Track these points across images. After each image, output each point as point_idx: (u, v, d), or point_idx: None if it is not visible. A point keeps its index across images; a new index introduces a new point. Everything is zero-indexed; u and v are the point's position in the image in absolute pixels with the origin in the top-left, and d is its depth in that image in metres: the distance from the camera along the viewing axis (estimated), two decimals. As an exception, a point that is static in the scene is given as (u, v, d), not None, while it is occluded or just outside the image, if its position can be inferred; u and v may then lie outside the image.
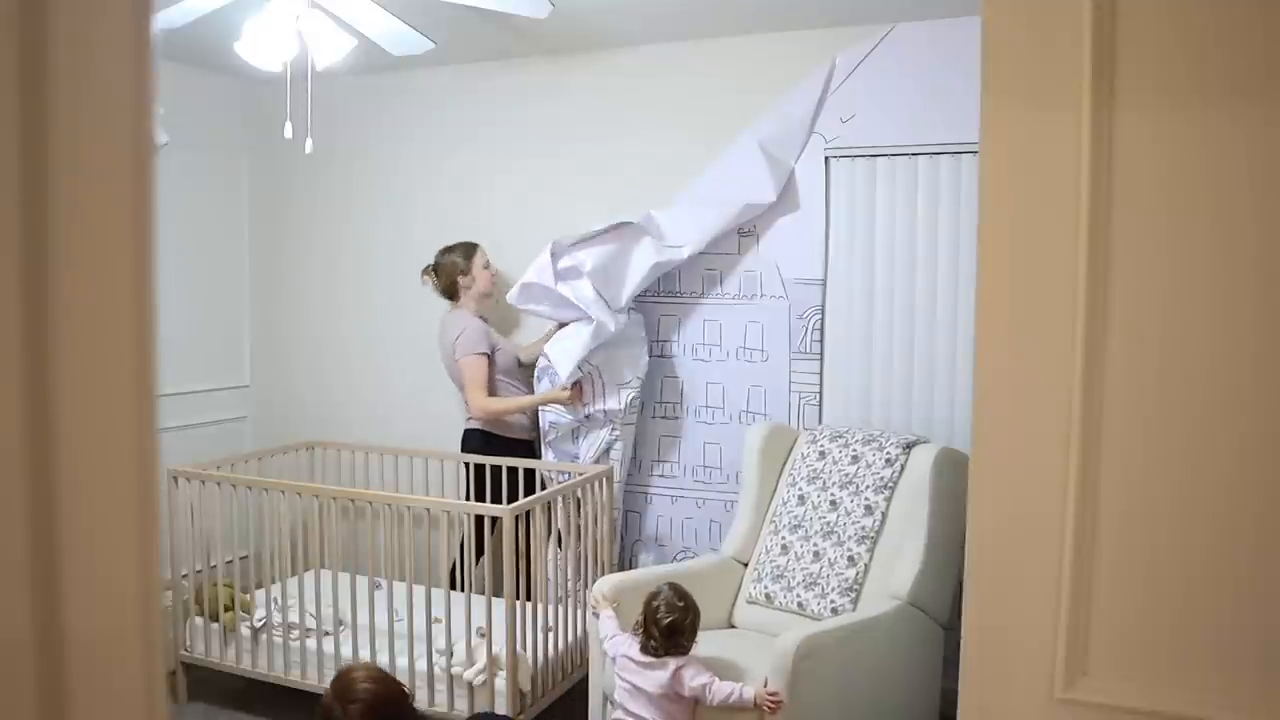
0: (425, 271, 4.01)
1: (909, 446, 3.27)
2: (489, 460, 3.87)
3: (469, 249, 3.93)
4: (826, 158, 3.62)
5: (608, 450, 3.82)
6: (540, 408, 3.84)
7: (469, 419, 3.95)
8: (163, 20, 2.86)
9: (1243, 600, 1.06)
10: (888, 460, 3.25)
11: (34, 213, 0.50)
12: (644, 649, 2.79)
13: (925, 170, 3.48)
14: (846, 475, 3.30)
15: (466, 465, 3.94)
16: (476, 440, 3.91)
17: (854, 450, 3.34)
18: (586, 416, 3.77)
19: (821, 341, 3.68)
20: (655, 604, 2.81)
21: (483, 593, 3.27)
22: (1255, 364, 1.04)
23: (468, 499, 3.86)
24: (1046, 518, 1.12)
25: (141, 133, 0.57)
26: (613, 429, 3.80)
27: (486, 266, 3.94)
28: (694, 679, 2.74)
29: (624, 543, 3.97)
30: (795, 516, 3.34)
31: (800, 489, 3.38)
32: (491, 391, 3.82)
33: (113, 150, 0.55)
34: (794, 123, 3.63)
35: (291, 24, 2.74)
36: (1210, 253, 1.06)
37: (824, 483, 3.32)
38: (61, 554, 0.53)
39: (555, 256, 3.64)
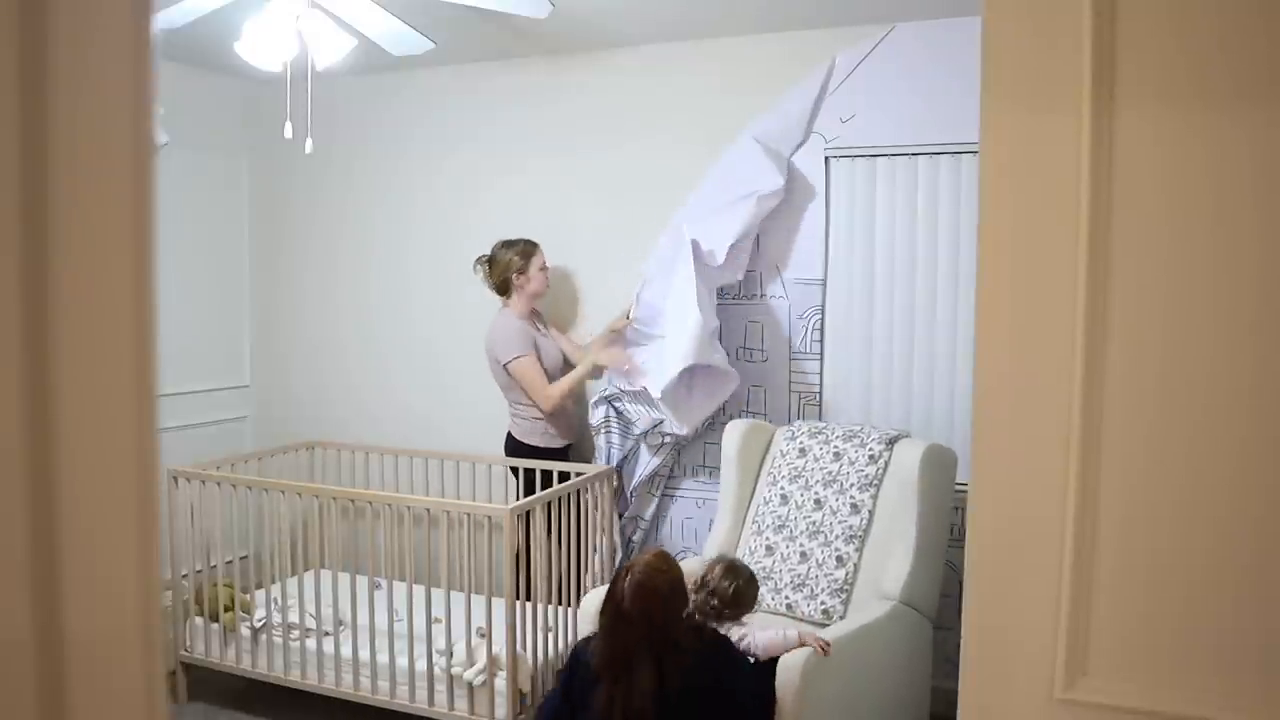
0: (479, 261, 3.88)
1: (891, 442, 3.26)
2: (520, 464, 3.81)
3: (529, 248, 3.79)
4: (826, 158, 3.62)
5: (653, 475, 3.78)
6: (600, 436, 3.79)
7: (511, 419, 3.88)
8: (163, 20, 2.86)
9: (1242, 602, 1.06)
10: (871, 457, 3.24)
11: (34, 213, 0.50)
12: (701, 611, 2.74)
13: (925, 170, 3.48)
14: (830, 473, 3.28)
15: (515, 470, 3.88)
16: (511, 446, 3.87)
17: (835, 447, 3.32)
18: (643, 435, 3.70)
19: (821, 341, 3.68)
20: (717, 572, 2.81)
21: (482, 592, 3.27)
22: (1255, 366, 1.04)
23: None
24: (1047, 519, 1.11)
25: (141, 133, 0.57)
26: (669, 456, 3.76)
27: (544, 268, 3.82)
28: (740, 640, 2.74)
29: (645, 545, 3.93)
30: (779, 516, 3.32)
31: (782, 488, 3.35)
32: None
33: (113, 150, 0.55)
34: (790, 120, 3.62)
35: (291, 24, 2.74)
36: (1211, 255, 1.06)
37: (807, 481, 3.30)
38: (61, 554, 0.53)
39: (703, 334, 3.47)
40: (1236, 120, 1.03)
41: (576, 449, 3.97)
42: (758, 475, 3.49)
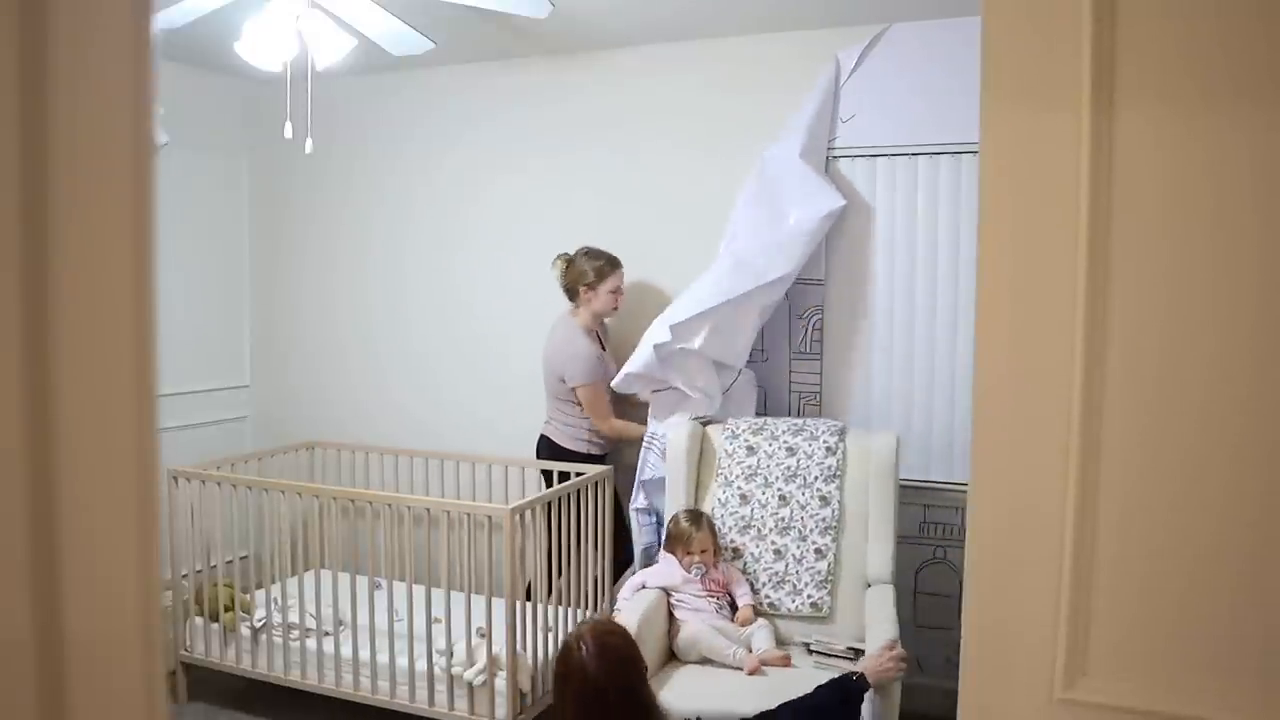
0: (560, 258, 3.77)
1: (841, 433, 3.30)
2: (568, 466, 3.76)
3: (607, 267, 3.69)
4: (827, 158, 3.62)
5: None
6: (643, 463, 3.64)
7: (546, 422, 3.85)
8: (163, 20, 2.86)
9: (1241, 603, 1.06)
10: (829, 449, 3.26)
11: (34, 213, 0.50)
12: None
13: (925, 170, 3.49)
14: (788, 469, 3.27)
15: (547, 474, 3.83)
16: (545, 449, 3.84)
17: (786, 442, 3.31)
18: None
19: (821, 341, 3.68)
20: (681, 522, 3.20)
21: (482, 592, 3.28)
22: (1255, 367, 1.04)
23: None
24: (1046, 519, 1.11)
25: (141, 133, 0.57)
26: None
27: (615, 290, 3.71)
28: (741, 580, 3.19)
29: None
30: (742, 518, 3.27)
31: (739, 488, 3.30)
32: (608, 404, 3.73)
33: (113, 150, 0.55)
34: (818, 130, 3.55)
35: (291, 24, 2.74)
36: (1210, 257, 1.05)
37: (766, 479, 3.28)
38: (61, 554, 0.53)
39: (660, 348, 3.39)
40: (1237, 122, 1.03)
41: (610, 456, 3.91)
42: (706, 476, 3.40)
